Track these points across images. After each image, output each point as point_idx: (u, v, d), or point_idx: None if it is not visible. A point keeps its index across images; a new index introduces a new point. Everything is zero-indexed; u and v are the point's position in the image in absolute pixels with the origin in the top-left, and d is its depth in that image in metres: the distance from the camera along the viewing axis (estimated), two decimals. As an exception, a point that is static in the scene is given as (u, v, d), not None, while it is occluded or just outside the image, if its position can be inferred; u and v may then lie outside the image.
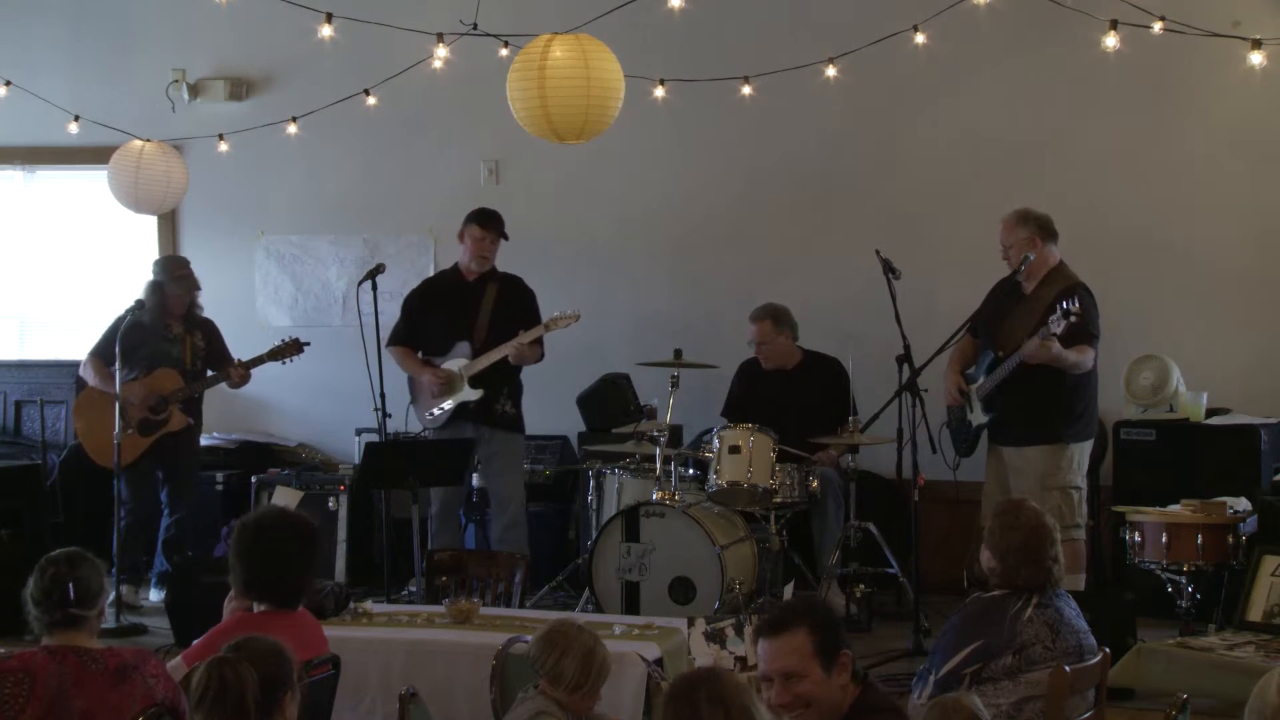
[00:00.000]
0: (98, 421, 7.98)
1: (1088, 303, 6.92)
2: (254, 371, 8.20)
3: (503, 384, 7.74)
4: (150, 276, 8.12)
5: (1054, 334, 6.57)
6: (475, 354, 7.68)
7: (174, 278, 8.05)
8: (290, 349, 8.00)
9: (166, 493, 8.17)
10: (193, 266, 8.39)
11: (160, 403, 7.91)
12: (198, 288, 8.21)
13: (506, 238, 7.81)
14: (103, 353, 8.02)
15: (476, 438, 7.68)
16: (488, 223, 7.77)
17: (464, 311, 7.77)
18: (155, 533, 8.18)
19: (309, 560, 4.58)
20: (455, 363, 7.72)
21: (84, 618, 3.97)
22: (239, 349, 8.23)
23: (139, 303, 7.90)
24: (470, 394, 7.69)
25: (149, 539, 8.17)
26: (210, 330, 8.25)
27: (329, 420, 9.21)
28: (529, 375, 7.94)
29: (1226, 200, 8.26)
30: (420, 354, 7.88)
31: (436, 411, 7.76)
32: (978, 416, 7.12)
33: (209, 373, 8.12)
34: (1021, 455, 6.95)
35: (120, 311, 8.10)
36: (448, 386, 7.71)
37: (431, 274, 8.08)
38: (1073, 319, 6.51)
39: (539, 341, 7.70)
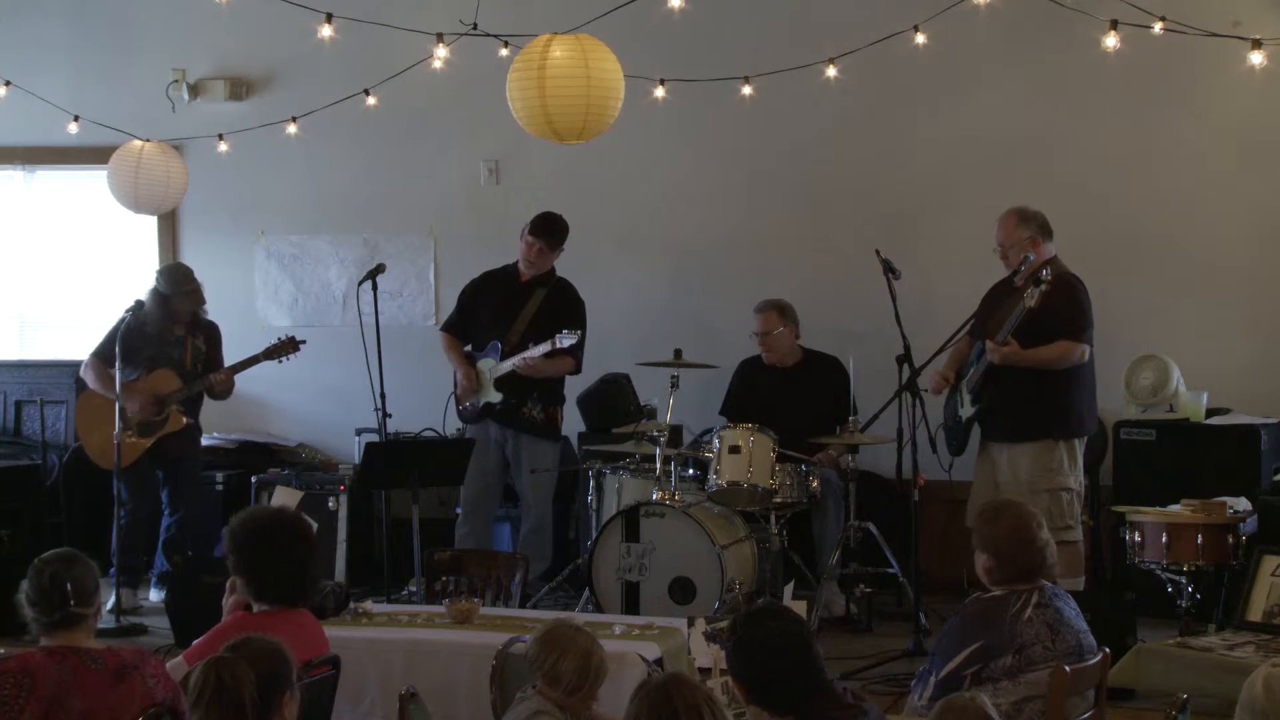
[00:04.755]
0: (97, 424, 7.99)
1: (1078, 295, 6.93)
2: (255, 371, 8.19)
3: (531, 388, 7.75)
4: (154, 283, 8.10)
5: (1029, 306, 6.62)
6: (503, 357, 7.71)
7: (180, 294, 8.00)
8: (286, 347, 7.99)
9: (167, 493, 8.17)
10: (193, 268, 8.36)
11: (159, 404, 7.90)
12: (203, 301, 8.20)
13: (556, 249, 7.81)
14: (104, 354, 8.02)
15: (501, 439, 7.76)
16: (539, 230, 7.80)
17: (508, 311, 7.83)
18: (155, 533, 8.18)
19: (316, 555, 4.65)
20: (487, 363, 7.78)
21: (83, 616, 3.98)
22: (239, 349, 8.20)
23: (138, 303, 7.90)
24: (493, 396, 7.72)
25: (149, 539, 8.17)
26: (212, 335, 8.23)
27: (329, 420, 9.21)
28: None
29: (1226, 200, 8.26)
30: (469, 346, 7.95)
31: (468, 404, 7.86)
32: (966, 410, 7.13)
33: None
34: (1011, 452, 6.96)
35: (122, 312, 8.10)
36: (477, 385, 7.77)
37: (486, 269, 8.08)
38: (1044, 287, 6.55)
39: (567, 353, 7.65)
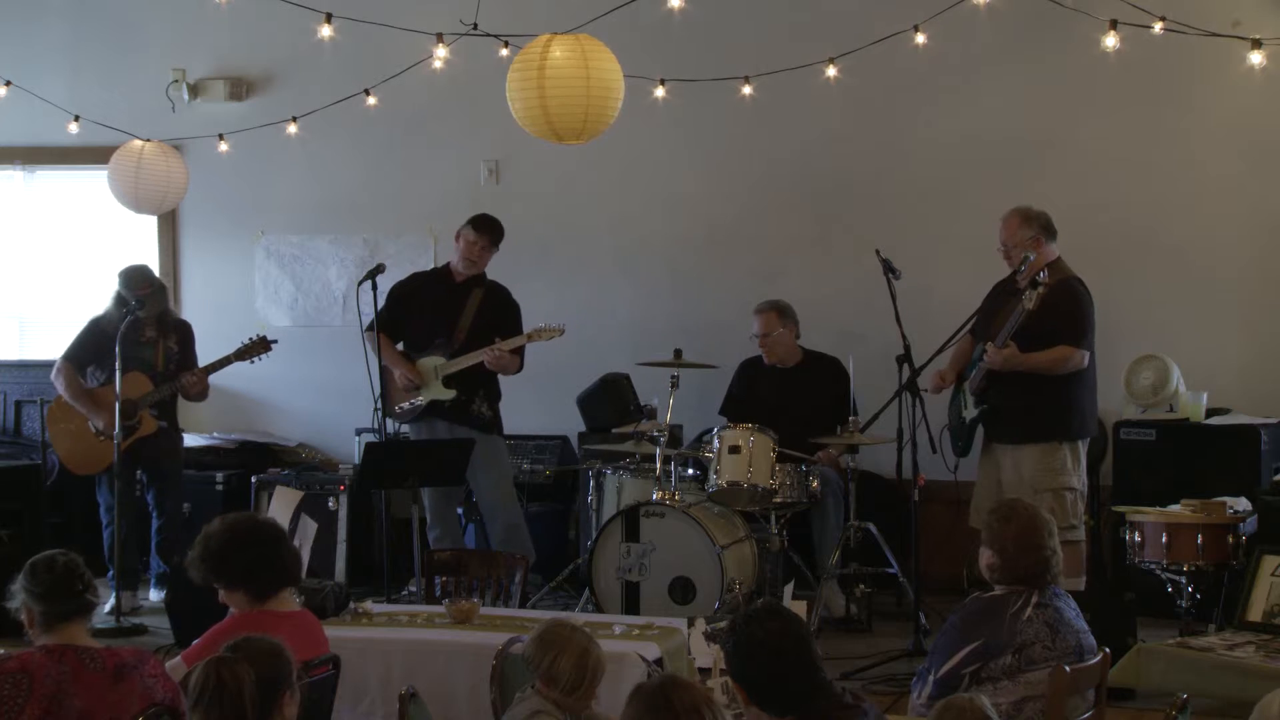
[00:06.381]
0: (69, 432, 7.96)
1: (1079, 299, 6.92)
2: (255, 371, 8.18)
3: (479, 386, 7.72)
4: (117, 287, 8.03)
5: (1027, 308, 6.61)
6: (452, 355, 7.68)
7: (139, 299, 7.89)
8: (258, 347, 7.94)
9: (152, 495, 8.15)
10: (193, 268, 8.34)
11: (130, 408, 7.84)
12: (165, 302, 8.16)
13: (497, 247, 7.80)
14: (74, 357, 8.00)
15: (450, 437, 7.67)
16: (481, 227, 7.77)
17: (447, 310, 7.77)
18: (144, 535, 8.15)
19: (287, 538, 4.85)
20: (431, 360, 7.72)
21: (93, 605, 4.01)
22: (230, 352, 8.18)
23: (139, 302, 7.86)
24: (443, 393, 7.68)
25: (140, 541, 8.15)
26: (185, 334, 8.18)
27: (329, 420, 9.21)
28: (530, 376, 7.93)
29: (1226, 200, 8.26)
30: (400, 345, 7.87)
31: (406, 405, 7.76)
32: (970, 411, 7.14)
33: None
34: (1015, 453, 6.97)
35: (96, 312, 8.08)
36: (420, 382, 7.72)
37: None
38: (1041, 289, 6.56)
39: (519, 352, 7.66)
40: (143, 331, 7.98)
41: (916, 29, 7.62)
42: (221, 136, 8.86)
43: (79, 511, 8.61)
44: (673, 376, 7.60)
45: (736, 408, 8.06)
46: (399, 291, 7.95)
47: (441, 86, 8.18)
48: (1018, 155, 8.44)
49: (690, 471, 7.56)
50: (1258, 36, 6.92)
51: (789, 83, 8.15)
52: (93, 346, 7.95)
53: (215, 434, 9.10)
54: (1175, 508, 6.85)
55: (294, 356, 8.66)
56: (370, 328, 7.80)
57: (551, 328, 7.58)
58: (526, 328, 7.69)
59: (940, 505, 7.75)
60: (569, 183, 9.03)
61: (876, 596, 7.56)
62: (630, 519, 7.17)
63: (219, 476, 8.82)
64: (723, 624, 4.99)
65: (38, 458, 8.35)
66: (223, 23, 9.04)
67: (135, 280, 8.04)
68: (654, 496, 7.25)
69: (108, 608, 7.40)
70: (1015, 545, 4.56)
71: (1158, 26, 7.04)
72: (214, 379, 8.07)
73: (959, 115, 8.55)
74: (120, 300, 7.96)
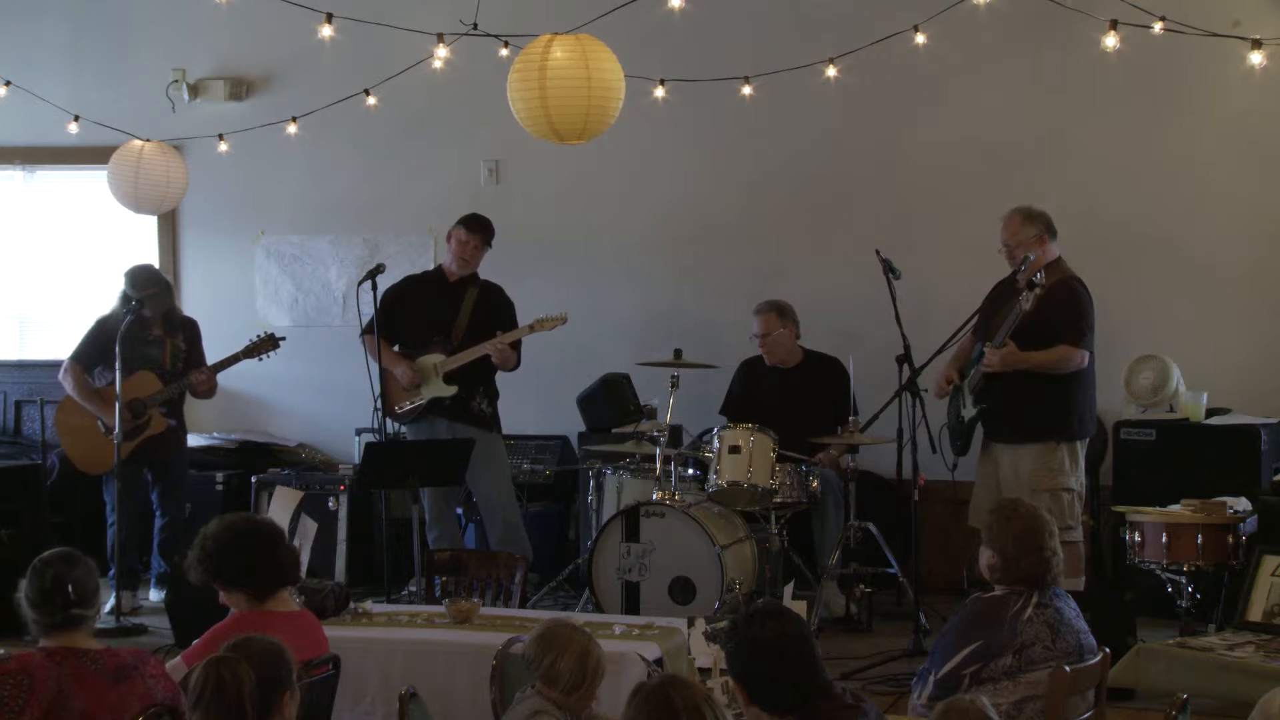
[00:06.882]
0: (78, 431, 7.96)
1: (1079, 299, 6.91)
2: (255, 371, 8.17)
3: (479, 383, 7.73)
4: (123, 287, 8.03)
5: (1024, 309, 6.61)
6: (452, 352, 7.68)
7: (140, 299, 7.84)
8: (266, 344, 7.93)
9: (157, 494, 8.15)
10: (193, 268, 8.32)
11: (140, 406, 7.84)
12: (171, 301, 8.16)
13: (490, 246, 7.81)
14: (81, 357, 8.00)
15: (450, 435, 7.65)
16: (473, 226, 7.78)
17: (443, 309, 7.78)
18: (148, 534, 8.16)
19: (283, 534, 4.87)
20: (431, 358, 7.72)
21: (84, 617, 3.98)
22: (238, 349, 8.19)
23: (139, 302, 7.86)
24: (444, 390, 7.67)
25: (142, 540, 8.15)
26: (192, 332, 8.17)
27: (329, 420, 9.21)
28: (529, 376, 7.94)
29: (1226, 200, 8.26)
30: (396, 347, 7.86)
31: (408, 405, 7.75)
32: (969, 410, 7.13)
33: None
34: (1014, 453, 6.96)
35: (103, 312, 8.08)
36: (421, 380, 7.71)
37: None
38: (1038, 291, 6.55)
39: (517, 348, 7.67)
40: (149, 330, 7.98)
41: (916, 29, 7.62)
42: (221, 136, 8.86)
43: (80, 511, 8.61)
44: (673, 376, 7.61)
45: (737, 408, 8.06)
46: (391, 295, 7.91)
47: (441, 86, 8.18)
48: (1018, 155, 8.44)
49: (690, 471, 7.56)
50: (1258, 36, 6.92)
51: (789, 83, 8.15)
52: (99, 346, 7.94)
53: (215, 434, 9.10)
54: (1175, 508, 6.85)
55: (294, 356, 8.64)
56: (368, 330, 7.80)
57: (553, 317, 7.58)
58: (524, 322, 7.70)
59: (940, 505, 7.76)
60: (569, 183, 9.03)
61: (876, 596, 7.55)
62: (630, 519, 7.17)
63: (219, 476, 8.82)
64: (723, 624, 4.98)
65: (38, 457, 8.35)
66: (223, 23, 9.03)
67: (140, 280, 8.04)
68: (654, 496, 7.25)
69: (108, 608, 7.40)
70: (1016, 545, 4.56)
71: (1158, 26, 7.05)
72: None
73: (959, 115, 8.54)
74: (126, 300, 7.97)
